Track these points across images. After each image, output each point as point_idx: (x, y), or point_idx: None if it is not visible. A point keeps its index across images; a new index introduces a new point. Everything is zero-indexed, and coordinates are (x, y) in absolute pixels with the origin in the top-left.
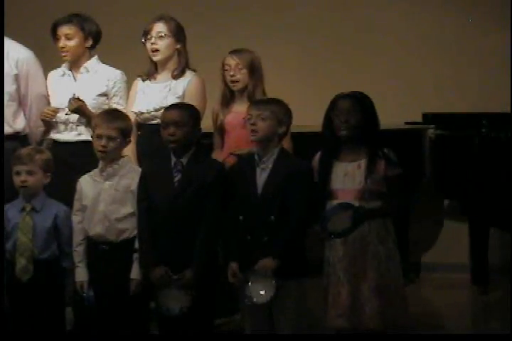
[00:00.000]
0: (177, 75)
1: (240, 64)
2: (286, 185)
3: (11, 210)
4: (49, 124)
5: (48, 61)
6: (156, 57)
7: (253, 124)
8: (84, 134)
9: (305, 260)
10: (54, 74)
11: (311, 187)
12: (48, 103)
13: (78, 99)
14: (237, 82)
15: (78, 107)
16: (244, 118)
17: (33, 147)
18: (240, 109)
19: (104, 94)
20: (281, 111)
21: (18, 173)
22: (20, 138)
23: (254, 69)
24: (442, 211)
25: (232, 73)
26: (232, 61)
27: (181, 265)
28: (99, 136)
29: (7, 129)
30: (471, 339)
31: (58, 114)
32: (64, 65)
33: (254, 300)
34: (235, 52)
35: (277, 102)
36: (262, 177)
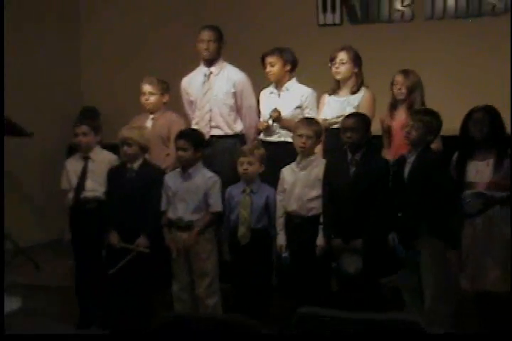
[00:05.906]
0: (354, 92)
1: (405, 83)
2: (423, 175)
3: (235, 190)
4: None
5: (260, 81)
6: (338, 76)
7: (408, 133)
8: (283, 136)
9: (453, 232)
10: (265, 92)
11: (446, 177)
12: (257, 113)
13: (277, 111)
14: (401, 95)
15: (277, 117)
16: (403, 127)
17: (253, 145)
18: (402, 117)
19: (299, 107)
20: (433, 122)
21: (241, 163)
22: (240, 137)
23: (415, 88)
24: None
25: (399, 87)
26: (399, 79)
27: (355, 235)
28: (301, 135)
29: (229, 131)
30: (472, 338)
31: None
32: (272, 85)
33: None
34: (403, 72)
35: (432, 114)
36: (405, 171)
